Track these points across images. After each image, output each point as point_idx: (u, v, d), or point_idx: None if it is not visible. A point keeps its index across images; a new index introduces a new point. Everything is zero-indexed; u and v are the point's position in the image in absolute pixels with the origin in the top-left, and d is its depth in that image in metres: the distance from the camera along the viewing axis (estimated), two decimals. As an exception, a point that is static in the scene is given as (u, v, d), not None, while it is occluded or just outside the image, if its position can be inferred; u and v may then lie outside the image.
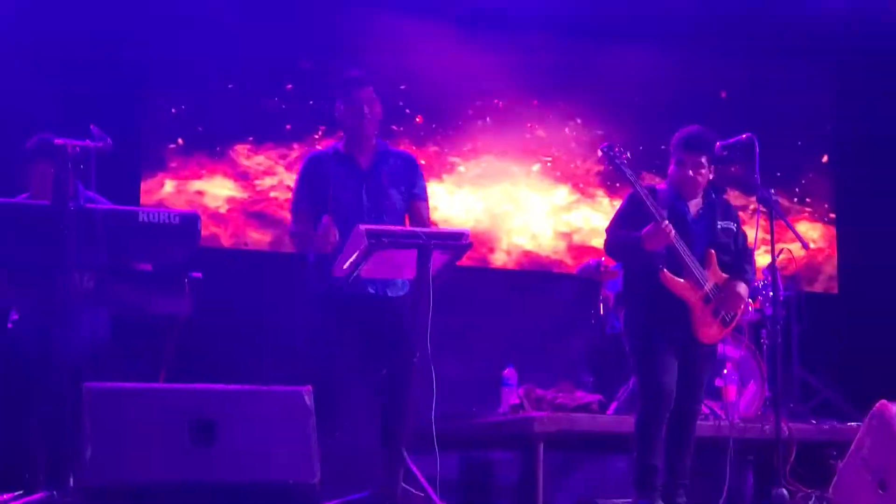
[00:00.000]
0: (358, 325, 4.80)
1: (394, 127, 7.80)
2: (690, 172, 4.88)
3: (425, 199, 4.95)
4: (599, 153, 4.89)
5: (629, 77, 8.52)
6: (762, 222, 6.17)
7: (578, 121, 8.42)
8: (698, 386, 4.91)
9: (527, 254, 8.32)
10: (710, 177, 4.99)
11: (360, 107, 4.81)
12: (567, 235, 8.38)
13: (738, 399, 6.57)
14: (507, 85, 8.30)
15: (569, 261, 8.24)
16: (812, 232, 8.83)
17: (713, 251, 4.89)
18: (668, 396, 4.78)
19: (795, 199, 8.86)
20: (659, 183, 5.14)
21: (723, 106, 8.64)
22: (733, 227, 5.05)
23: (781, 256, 7.20)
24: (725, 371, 6.53)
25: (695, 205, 4.95)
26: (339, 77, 5.07)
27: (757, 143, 5.90)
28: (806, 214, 8.87)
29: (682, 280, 4.78)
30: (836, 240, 8.91)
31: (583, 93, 8.44)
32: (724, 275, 4.91)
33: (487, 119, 8.28)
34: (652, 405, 4.81)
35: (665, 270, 4.76)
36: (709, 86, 8.68)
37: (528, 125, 8.37)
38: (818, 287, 8.74)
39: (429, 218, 4.97)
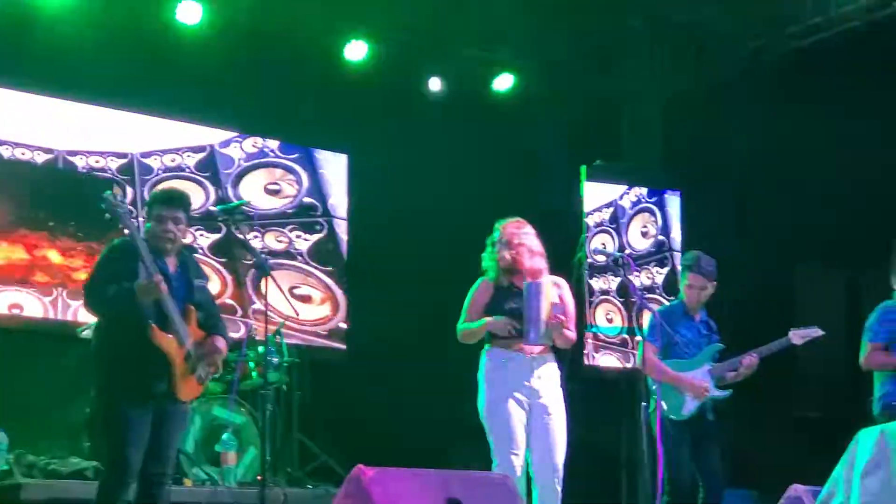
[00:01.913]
0: None
1: None
2: (170, 226, 4.92)
3: None
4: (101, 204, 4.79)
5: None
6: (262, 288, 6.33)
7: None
8: (169, 447, 4.90)
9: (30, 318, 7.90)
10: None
11: None
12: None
13: (236, 464, 6.65)
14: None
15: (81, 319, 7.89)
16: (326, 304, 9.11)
17: (192, 308, 4.95)
18: (131, 471, 4.76)
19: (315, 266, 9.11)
20: (137, 239, 5.05)
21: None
22: (205, 284, 5.18)
23: (283, 324, 7.43)
24: (225, 436, 6.60)
25: (172, 262, 5.00)
26: None
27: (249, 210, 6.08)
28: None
29: (169, 336, 4.79)
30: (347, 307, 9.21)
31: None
32: (201, 332, 4.98)
33: None
34: (114, 478, 4.77)
35: (154, 325, 4.74)
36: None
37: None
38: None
39: None
